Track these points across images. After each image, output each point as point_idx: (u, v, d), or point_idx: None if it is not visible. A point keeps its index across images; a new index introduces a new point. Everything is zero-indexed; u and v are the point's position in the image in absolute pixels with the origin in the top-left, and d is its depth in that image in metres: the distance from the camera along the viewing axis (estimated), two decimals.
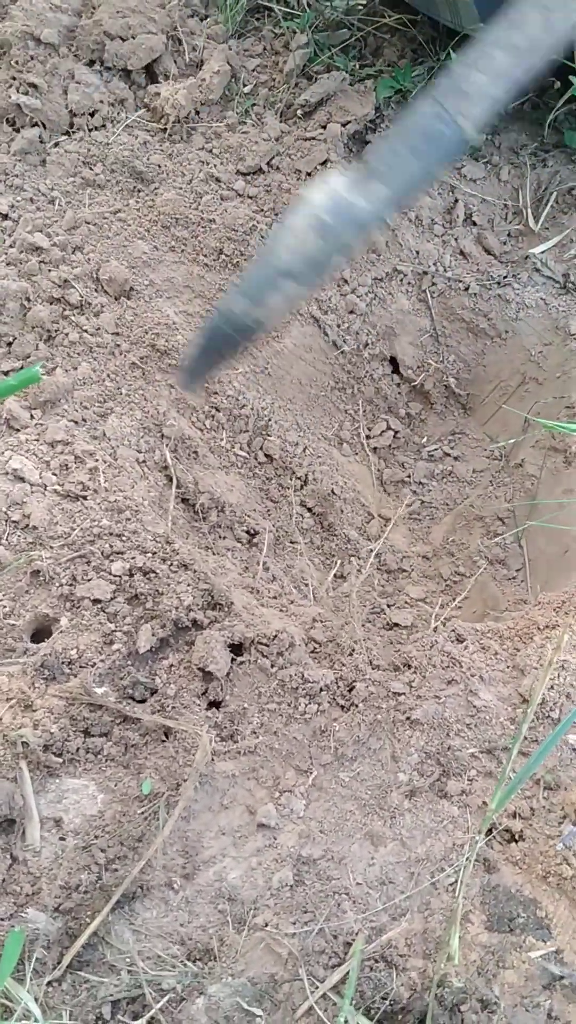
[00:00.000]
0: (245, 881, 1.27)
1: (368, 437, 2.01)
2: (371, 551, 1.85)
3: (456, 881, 1.29)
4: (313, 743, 1.40)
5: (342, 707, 1.45)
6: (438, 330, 2.01)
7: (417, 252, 2.01)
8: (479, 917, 1.28)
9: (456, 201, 2.06)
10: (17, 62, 1.89)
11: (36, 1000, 1.15)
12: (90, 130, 1.91)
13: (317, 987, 1.20)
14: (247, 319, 1.35)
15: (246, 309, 1.33)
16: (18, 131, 1.86)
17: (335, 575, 1.76)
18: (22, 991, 1.15)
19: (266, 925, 1.24)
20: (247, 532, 1.70)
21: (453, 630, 1.55)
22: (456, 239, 2.04)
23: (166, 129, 1.94)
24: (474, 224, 2.07)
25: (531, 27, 1.33)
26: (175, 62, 1.99)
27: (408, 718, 1.41)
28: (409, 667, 1.49)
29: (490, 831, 1.35)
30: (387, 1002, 1.22)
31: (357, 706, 1.43)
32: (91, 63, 1.94)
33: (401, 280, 2.01)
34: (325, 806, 1.35)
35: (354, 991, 1.20)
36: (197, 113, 1.98)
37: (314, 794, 1.36)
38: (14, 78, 1.88)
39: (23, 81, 1.88)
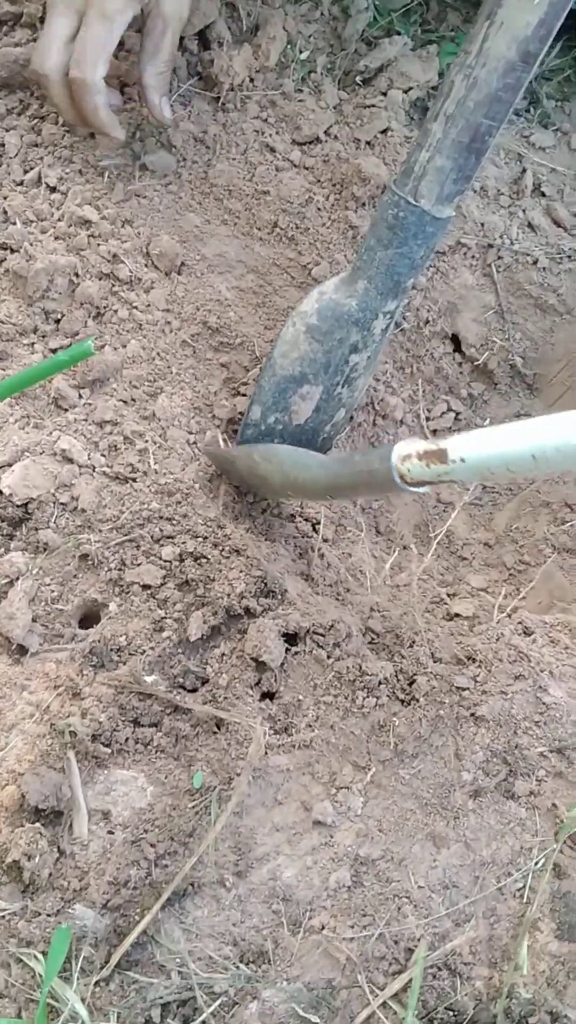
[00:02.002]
0: (300, 880, 1.22)
1: (428, 419, 1.93)
2: (432, 538, 1.77)
3: (524, 886, 1.23)
4: (371, 738, 1.34)
5: (402, 701, 1.39)
6: (503, 306, 1.92)
7: (482, 224, 1.92)
8: (549, 925, 1.21)
9: (524, 171, 1.97)
10: None
11: (83, 1000, 1.11)
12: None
13: (377, 994, 1.15)
14: (275, 424, 1.40)
15: (270, 416, 1.39)
16: None
17: (392, 564, 1.70)
18: (69, 991, 1.11)
19: (323, 928, 1.18)
20: (304, 519, 1.64)
21: (520, 622, 1.48)
22: (524, 210, 1.94)
23: (219, 98, 1.87)
24: (543, 195, 1.97)
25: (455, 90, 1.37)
26: (229, 28, 1.91)
27: (473, 714, 1.34)
28: (473, 661, 1.43)
29: (556, 835, 1.28)
30: (451, 1013, 1.16)
31: (418, 700, 1.37)
32: (139, 30, 1.87)
33: (465, 254, 1.92)
34: (384, 804, 1.29)
35: (417, 1000, 1.14)
36: (252, 81, 1.90)
37: (372, 791, 1.30)
38: None
39: None
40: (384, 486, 1.15)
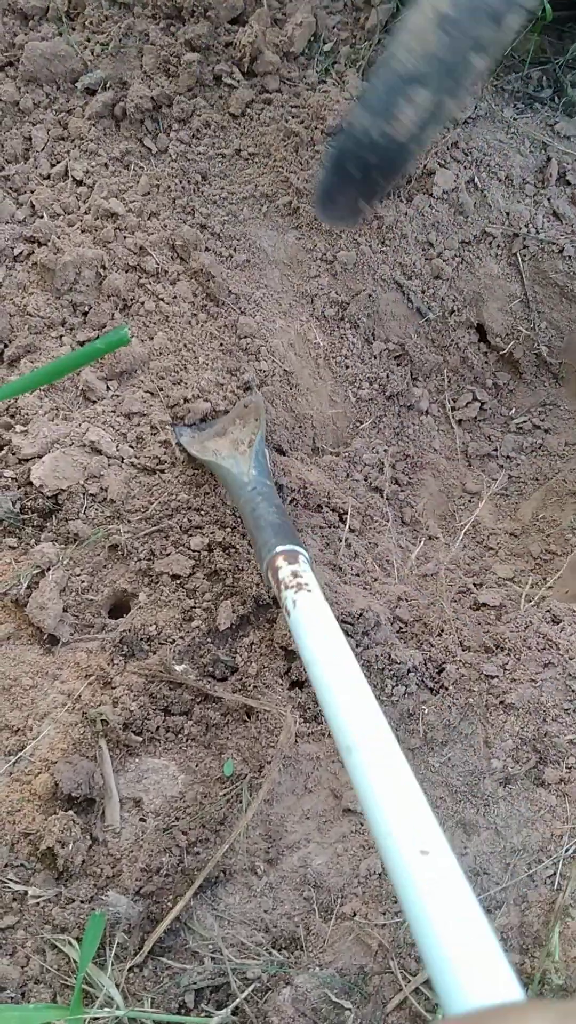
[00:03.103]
0: (331, 868, 1.22)
1: (453, 409, 1.93)
2: (459, 528, 1.77)
3: (555, 873, 1.23)
4: (401, 726, 1.34)
5: (431, 689, 1.39)
6: (529, 296, 1.91)
7: (507, 213, 1.91)
8: None
9: (549, 159, 1.95)
10: (91, 22, 1.84)
11: (117, 986, 1.12)
12: None
13: (410, 981, 1.15)
14: (376, 135, 1.20)
15: (373, 123, 1.18)
16: (93, 94, 1.81)
17: (418, 554, 1.69)
18: (103, 976, 1.12)
19: (354, 915, 1.19)
20: (331, 509, 1.64)
21: (548, 610, 1.47)
22: (549, 199, 1.93)
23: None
24: (568, 183, 1.96)
25: None
26: (257, 20, 1.91)
27: (502, 702, 1.34)
28: (502, 649, 1.42)
29: None
30: None
31: (447, 689, 1.37)
32: (168, 24, 1.88)
33: (490, 243, 1.91)
34: None
35: None
36: (277, 71, 1.90)
37: None
38: (88, 39, 1.84)
39: (97, 43, 1.83)
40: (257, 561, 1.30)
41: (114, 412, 1.57)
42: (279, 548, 1.23)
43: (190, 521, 1.46)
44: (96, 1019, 1.09)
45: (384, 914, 1.18)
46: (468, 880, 1.21)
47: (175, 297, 1.70)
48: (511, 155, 1.94)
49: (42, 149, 1.75)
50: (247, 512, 1.36)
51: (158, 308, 1.68)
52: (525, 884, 1.22)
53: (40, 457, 1.47)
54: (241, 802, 1.26)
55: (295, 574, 1.18)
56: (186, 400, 1.59)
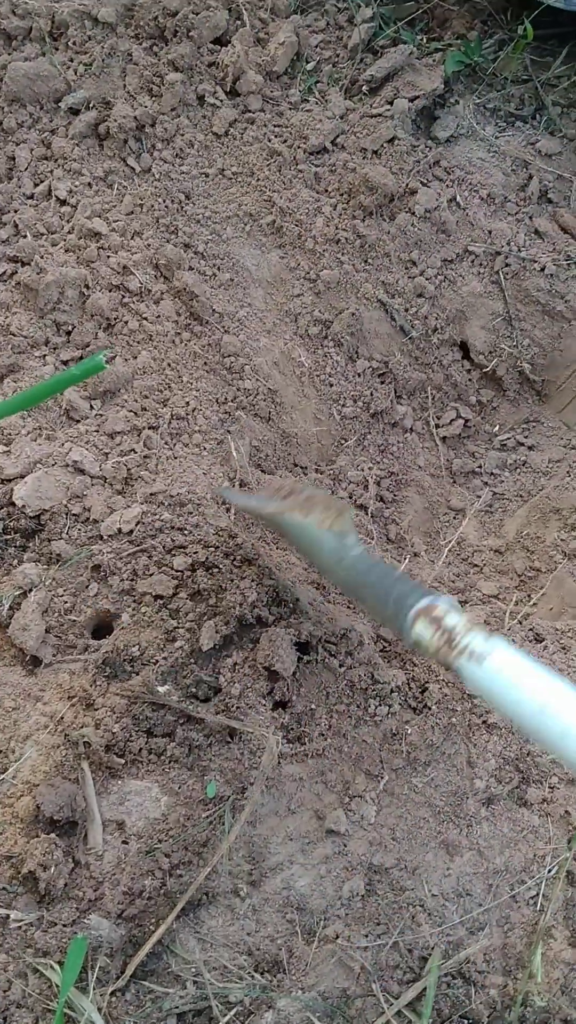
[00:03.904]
0: (314, 890, 1.22)
1: (437, 426, 1.94)
2: (443, 545, 1.78)
3: (538, 894, 1.23)
4: (384, 747, 1.34)
5: (414, 709, 1.39)
6: (511, 313, 1.92)
7: (489, 232, 1.92)
8: (562, 933, 1.21)
9: (531, 177, 1.97)
10: (74, 43, 1.85)
11: (99, 1010, 1.12)
12: None
13: (392, 1003, 1.15)
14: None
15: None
16: (76, 114, 1.82)
17: (403, 571, 1.70)
18: (85, 1000, 1.11)
19: (337, 937, 1.19)
20: None
21: (531, 629, 1.48)
22: (531, 217, 1.95)
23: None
24: (550, 202, 1.97)
25: None
26: (240, 40, 1.93)
27: (485, 722, 1.35)
28: None
29: (569, 842, 1.28)
30: (466, 1021, 1.16)
31: (430, 708, 1.37)
32: (151, 44, 1.89)
33: (472, 261, 1.92)
34: (397, 813, 1.29)
35: (431, 1009, 1.14)
36: (260, 91, 1.92)
37: (385, 800, 1.30)
38: (72, 59, 1.84)
39: (80, 63, 1.84)
40: (389, 624, 1.13)
41: (97, 431, 1.57)
42: (424, 602, 1.07)
43: (173, 541, 1.46)
44: None
45: (367, 936, 1.19)
46: (451, 902, 1.21)
47: (159, 316, 1.70)
48: (493, 173, 1.95)
49: (25, 169, 1.75)
50: (352, 579, 1.24)
51: (142, 327, 1.68)
52: (508, 905, 1.23)
53: (23, 477, 1.47)
54: (224, 824, 1.25)
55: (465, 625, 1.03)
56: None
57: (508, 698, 0.93)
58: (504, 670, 0.95)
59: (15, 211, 1.71)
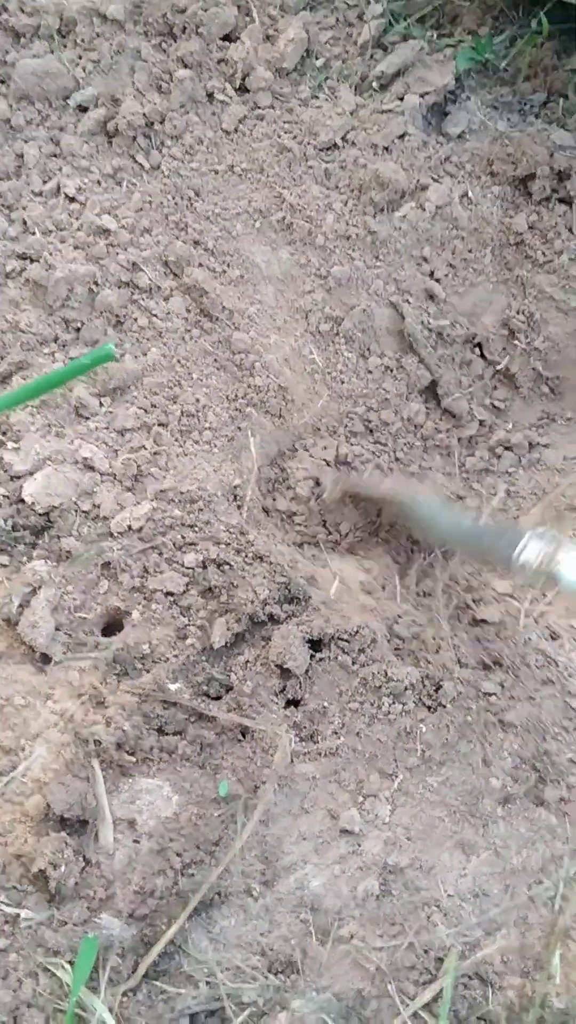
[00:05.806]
0: (328, 890, 1.21)
1: (451, 425, 1.92)
2: None
3: (555, 895, 1.21)
4: (398, 745, 1.33)
5: (429, 707, 1.37)
6: (525, 310, 1.91)
7: (501, 227, 1.91)
8: None
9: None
10: (83, 40, 1.85)
11: (111, 1011, 1.10)
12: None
13: (408, 1004, 1.13)
14: None
15: None
16: (85, 111, 1.81)
17: (418, 568, 1.68)
18: (96, 1000, 1.10)
19: (351, 937, 1.17)
20: (324, 525, 1.63)
21: (547, 627, 1.46)
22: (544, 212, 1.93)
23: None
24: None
25: None
26: (249, 36, 1.92)
27: (500, 720, 1.33)
28: (500, 666, 1.41)
29: None
30: (483, 1023, 1.14)
31: (445, 707, 1.35)
32: (160, 41, 1.88)
33: (484, 258, 1.91)
34: (412, 812, 1.27)
35: (448, 1010, 1.12)
36: (270, 87, 1.91)
37: (400, 799, 1.29)
38: (80, 56, 1.84)
39: (89, 60, 1.84)
40: (502, 559, 1.38)
41: (107, 428, 1.56)
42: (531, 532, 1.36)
43: (184, 538, 1.45)
44: None
45: (382, 937, 1.17)
46: (467, 902, 1.20)
47: (168, 313, 1.69)
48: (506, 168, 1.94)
49: (34, 166, 1.75)
50: (472, 536, 1.55)
51: (151, 324, 1.67)
52: (525, 906, 1.21)
53: (32, 474, 1.46)
54: (236, 823, 1.24)
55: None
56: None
57: None
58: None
59: (24, 208, 1.70)
